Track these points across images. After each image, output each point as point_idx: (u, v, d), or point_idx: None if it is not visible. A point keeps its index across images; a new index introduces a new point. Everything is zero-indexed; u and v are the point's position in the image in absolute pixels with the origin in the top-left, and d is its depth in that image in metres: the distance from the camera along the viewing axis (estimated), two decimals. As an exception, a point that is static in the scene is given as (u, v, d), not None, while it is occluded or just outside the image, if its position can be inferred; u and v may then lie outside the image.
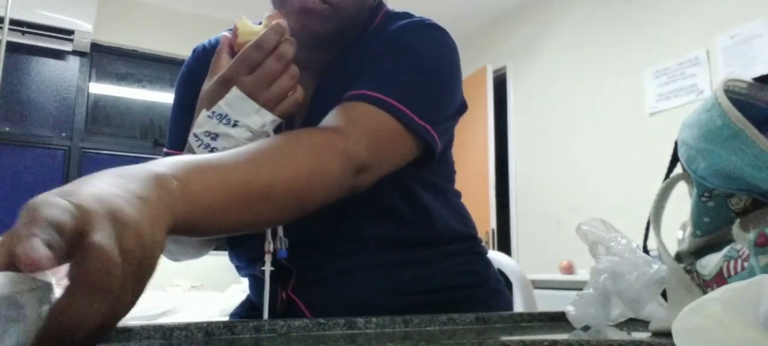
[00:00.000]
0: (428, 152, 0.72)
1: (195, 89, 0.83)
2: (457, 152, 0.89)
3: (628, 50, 3.44)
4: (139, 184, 0.38)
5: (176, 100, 0.87)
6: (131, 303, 0.36)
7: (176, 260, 0.85)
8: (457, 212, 0.87)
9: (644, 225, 0.68)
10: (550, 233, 3.78)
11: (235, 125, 0.60)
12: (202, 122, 0.61)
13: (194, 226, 0.44)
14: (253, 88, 0.60)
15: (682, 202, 0.63)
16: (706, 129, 0.51)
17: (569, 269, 3.38)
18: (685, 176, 0.62)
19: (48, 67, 4.17)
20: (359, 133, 0.63)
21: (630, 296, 0.56)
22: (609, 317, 0.57)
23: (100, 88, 4.33)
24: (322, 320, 0.58)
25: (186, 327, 0.52)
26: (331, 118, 0.65)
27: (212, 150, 0.60)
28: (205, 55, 0.86)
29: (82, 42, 4.06)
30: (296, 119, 0.77)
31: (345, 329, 0.57)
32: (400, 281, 0.77)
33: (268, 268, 0.70)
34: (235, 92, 0.60)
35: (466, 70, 3.72)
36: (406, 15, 0.82)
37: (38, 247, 0.29)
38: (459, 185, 0.92)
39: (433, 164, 0.73)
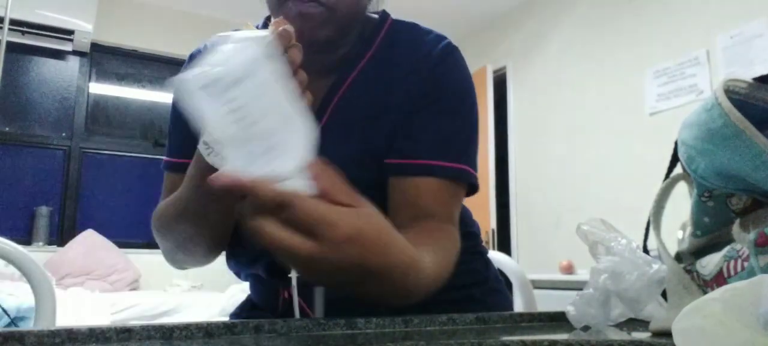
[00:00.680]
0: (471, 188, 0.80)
1: None
2: (458, 152, 0.89)
3: (628, 50, 3.44)
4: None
5: (174, 105, 0.86)
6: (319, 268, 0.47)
7: (182, 267, 0.85)
8: None
9: (644, 225, 0.68)
10: (550, 233, 3.78)
11: None
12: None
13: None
14: None
15: (682, 202, 0.63)
16: (706, 129, 0.51)
17: (569, 269, 3.38)
18: (685, 176, 0.62)
19: (48, 67, 4.17)
20: (450, 217, 0.75)
21: (630, 296, 0.56)
22: (609, 317, 0.57)
23: (100, 88, 4.33)
24: (322, 320, 0.58)
25: (186, 327, 0.52)
26: (427, 205, 0.73)
27: (223, 157, 0.60)
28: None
29: (82, 42, 4.06)
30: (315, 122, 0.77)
31: (345, 329, 0.57)
32: None
33: (294, 273, 0.70)
34: None
35: (466, 70, 3.71)
36: (415, 26, 0.83)
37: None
38: (459, 184, 0.92)
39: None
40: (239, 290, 3.47)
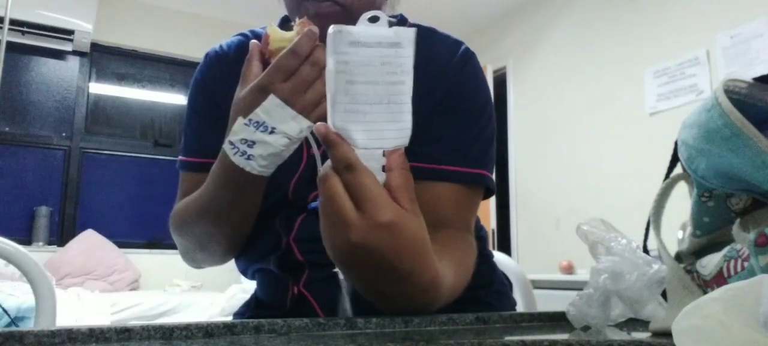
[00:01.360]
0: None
1: (210, 94, 0.84)
2: (458, 152, 0.89)
3: (628, 50, 3.44)
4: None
5: (191, 105, 0.87)
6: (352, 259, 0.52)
7: (199, 266, 0.86)
8: None
9: (644, 225, 0.68)
10: (550, 233, 3.78)
11: (272, 132, 0.61)
12: (238, 130, 0.62)
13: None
14: (290, 95, 0.61)
15: (682, 202, 0.63)
16: (706, 129, 0.51)
17: (569, 269, 3.38)
18: (685, 176, 0.62)
19: (48, 67, 4.17)
20: (467, 225, 0.78)
21: (630, 296, 0.56)
22: (609, 317, 0.57)
23: (100, 88, 4.33)
24: (321, 320, 0.58)
25: (186, 327, 0.52)
26: (447, 213, 0.75)
27: (248, 157, 0.62)
28: (218, 60, 0.86)
29: (82, 42, 4.06)
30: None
31: (345, 329, 0.57)
32: None
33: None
34: (272, 100, 0.61)
35: (466, 70, 3.70)
36: (433, 31, 0.85)
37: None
38: (459, 184, 0.92)
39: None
40: (239, 290, 3.47)
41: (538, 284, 3.10)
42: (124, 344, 0.48)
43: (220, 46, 0.88)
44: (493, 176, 0.85)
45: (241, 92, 0.65)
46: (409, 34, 0.53)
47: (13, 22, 3.42)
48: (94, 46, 4.20)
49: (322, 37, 0.66)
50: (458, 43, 0.83)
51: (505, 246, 4.17)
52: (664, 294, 0.58)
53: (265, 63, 0.65)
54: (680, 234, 0.65)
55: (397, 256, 0.51)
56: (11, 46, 3.56)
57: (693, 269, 0.60)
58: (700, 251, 0.60)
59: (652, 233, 0.66)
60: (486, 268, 0.89)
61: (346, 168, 0.50)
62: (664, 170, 0.65)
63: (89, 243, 3.84)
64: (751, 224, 0.52)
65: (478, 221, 0.92)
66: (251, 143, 0.61)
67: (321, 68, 0.62)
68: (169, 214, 0.83)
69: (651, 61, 3.30)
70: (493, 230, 4.09)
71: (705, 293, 0.54)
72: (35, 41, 3.98)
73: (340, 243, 0.52)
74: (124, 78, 4.43)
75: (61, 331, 0.47)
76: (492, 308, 0.84)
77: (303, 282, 0.77)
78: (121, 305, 3.26)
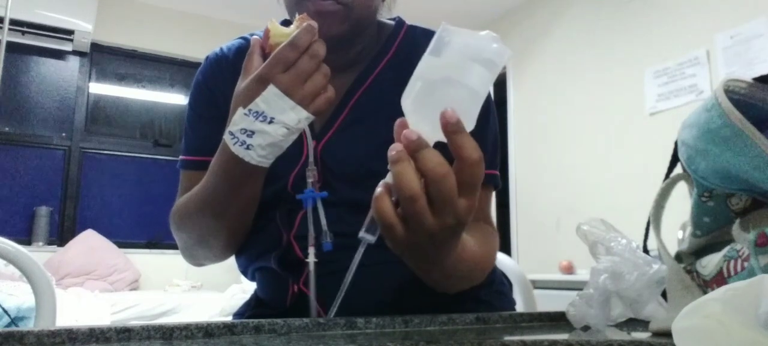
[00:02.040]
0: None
1: (210, 95, 0.86)
2: (458, 152, 0.90)
3: (628, 50, 3.44)
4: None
5: (191, 106, 0.88)
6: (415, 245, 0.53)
7: (199, 264, 0.86)
8: None
9: (644, 225, 0.68)
10: (550, 233, 3.78)
11: (271, 122, 0.62)
12: (238, 120, 0.63)
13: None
14: (288, 86, 0.62)
15: (682, 202, 0.63)
16: (706, 129, 0.51)
17: (569, 269, 3.38)
18: (685, 176, 0.62)
19: (48, 67, 4.17)
20: (487, 217, 0.85)
21: (630, 296, 0.56)
22: (609, 317, 0.57)
23: (100, 88, 4.33)
24: (321, 320, 0.58)
25: (186, 327, 0.52)
26: None
27: (248, 147, 0.63)
28: (218, 63, 0.88)
29: (82, 42, 4.06)
30: (333, 117, 0.82)
31: (345, 329, 0.57)
32: (408, 279, 0.78)
33: (312, 259, 0.74)
34: (271, 90, 0.62)
35: (466, 70, 3.69)
36: (431, 32, 0.87)
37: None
38: (459, 184, 0.93)
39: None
40: (239, 290, 3.47)
41: (538, 284, 3.10)
42: (124, 344, 0.48)
43: (221, 49, 0.90)
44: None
45: (241, 84, 0.66)
46: (505, 52, 0.53)
47: (13, 22, 3.42)
48: (94, 46, 4.20)
49: (323, 34, 0.68)
50: None
51: (505, 246, 4.17)
52: (664, 294, 0.58)
53: (265, 57, 0.67)
54: (680, 234, 0.65)
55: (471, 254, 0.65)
56: (11, 46, 3.56)
57: (693, 269, 0.60)
58: (700, 251, 0.60)
59: (652, 233, 0.66)
60: None
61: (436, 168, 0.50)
62: (664, 170, 0.65)
63: (89, 243, 3.84)
64: (751, 224, 0.52)
65: None
66: (250, 133, 0.63)
67: (319, 61, 0.63)
68: (169, 213, 0.84)
69: (651, 61, 3.30)
70: (493, 230, 4.09)
71: (705, 293, 0.54)
72: (35, 41, 3.98)
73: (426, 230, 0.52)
74: (124, 78, 4.43)
75: (61, 331, 0.47)
76: (492, 307, 0.84)
77: (303, 280, 0.78)
78: (121, 305, 3.26)
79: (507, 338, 0.55)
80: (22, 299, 2.56)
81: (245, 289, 3.45)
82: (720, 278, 0.55)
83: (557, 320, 0.67)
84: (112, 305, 3.22)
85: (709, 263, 0.57)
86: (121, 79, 4.42)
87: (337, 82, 0.79)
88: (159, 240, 4.21)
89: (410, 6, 0.94)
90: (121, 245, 4.00)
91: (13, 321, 2.45)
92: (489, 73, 0.51)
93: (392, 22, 0.89)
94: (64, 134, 4.15)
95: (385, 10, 0.88)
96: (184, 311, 3.40)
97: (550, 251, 3.64)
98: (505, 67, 4.39)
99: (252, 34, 0.90)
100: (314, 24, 0.64)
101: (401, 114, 0.82)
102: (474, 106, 0.52)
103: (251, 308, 0.89)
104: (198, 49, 4.49)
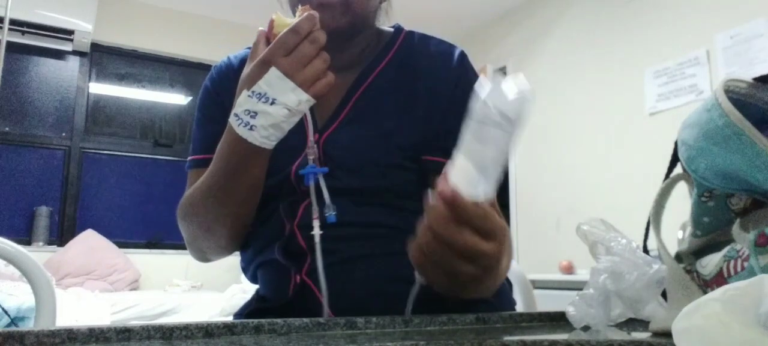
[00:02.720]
0: None
1: (217, 99, 0.91)
2: (458, 152, 0.91)
3: (628, 50, 3.44)
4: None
5: (199, 109, 0.93)
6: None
7: (204, 258, 0.89)
8: None
9: (644, 225, 0.68)
10: (550, 233, 3.78)
11: (272, 103, 0.66)
12: (243, 102, 0.67)
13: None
14: (289, 69, 0.66)
15: (682, 202, 0.63)
16: (706, 129, 0.51)
17: (569, 269, 3.38)
18: (685, 176, 0.62)
19: (48, 67, 4.17)
20: (493, 204, 0.82)
21: (630, 296, 0.56)
22: (609, 317, 0.57)
23: (100, 88, 4.33)
24: (321, 320, 0.58)
25: (186, 327, 0.52)
26: None
27: (251, 128, 0.67)
28: (226, 70, 0.93)
29: (82, 42, 4.05)
30: (336, 112, 0.85)
31: (345, 329, 0.57)
32: (411, 273, 0.79)
33: (317, 232, 0.75)
34: (273, 72, 0.66)
35: (466, 70, 3.70)
36: (428, 36, 0.93)
37: None
38: (459, 184, 0.93)
39: None
40: (239, 290, 3.47)
41: (538, 284, 3.10)
42: (124, 344, 0.48)
43: (228, 58, 0.95)
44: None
45: (246, 70, 0.70)
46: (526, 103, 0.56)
47: (13, 22, 3.42)
48: (94, 46, 4.20)
49: (324, 27, 0.72)
50: (453, 45, 0.91)
51: (505, 246, 4.16)
52: (664, 294, 0.58)
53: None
54: (680, 234, 0.65)
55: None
56: (11, 46, 3.56)
57: (693, 269, 0.60)
58: (700, 251, 0.60)
59: (652, 233, 0.66)
60: None
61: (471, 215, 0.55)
62: (664, 170, 0.65)
63: (89, 243, 3.84)
64: (751, 224, 0.52)
65: None
66: (254, 114, 0.66)
67: (319, 47, 0.67)
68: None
69: (651, 61, 3.30)
70: (493, 230, 4.08)
71: (705, 293, 0.54)
72: (35, 41, 3.98)
73: (484, 270, 0.58)
74: (124, 78, 4.43)
75: (61, 331, 0.47)
76: (492, 308, 0.84)
77: (305, 270, 0.79)
78: (121, 305, 3.26)
79: (507, 338, 0.55)
80: (22, 299, 2.56)
81: (245, 289, 3.45)
82: (720, 278, 0.55)
83: (557, 320, 0.67)
84: (112, 305, 3.22)
85: (709, 263, 0.57)
86: (121, 79, 4.42)
87: (340, 81, 0.83)
88: (159, 240, 4.21)
89: (411, 6, 0.96)
90: (121, 245, 4.00)
91: (13, 321, 2.45)
92: (509, 130, 0.55)
93: (391, 29, 0.94)
94: (64, 134, 4.15)
95: (383, 14, 0.94)
96: (184, 311, 3.40)
97: (550, 251, 3.63)
98: (505, 68, 4.39)
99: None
100: (316, 14, 0.68)
101: (399, 111, 0.84)
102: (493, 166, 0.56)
103: (253, 305, 0.90)
104: (198, 49, 4.49)
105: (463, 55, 0.90)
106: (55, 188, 4.05)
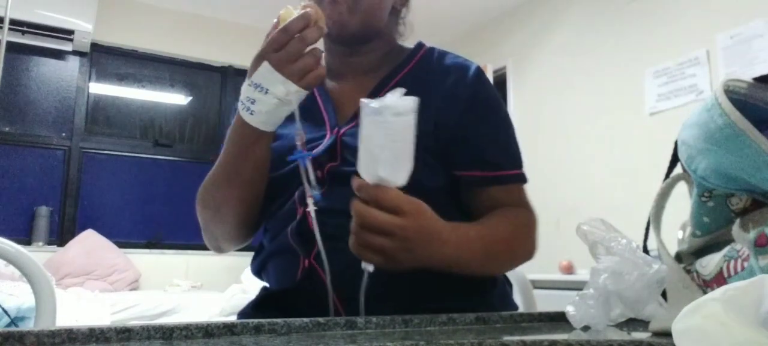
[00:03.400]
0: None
1: None
2: (457, 151, 0.91)
3: (628, 50, 3.44)
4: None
5: (233, 112, 1.00)
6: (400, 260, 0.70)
7: (218, 247, 0.95)
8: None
9: (644, 225, 0.68)
10: (550, 233, 3.77)
11: (266, 93, 0.75)
12: (244, 90, 0.77)
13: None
14: (277, 63, 0.74)
15: (682, 202, 0.63)
16: (706, 129, 0.51)
17: (569, 269, 3.38)
18: (685, 176, 0.62)
19: (48, 67, 4.17)
20: (525, 204, 0.95)
21: (630, 296, 0.56)
22: (609, 317, 0.57)
23: (100, 88, 4.33)
24: (321, 320, 0.58)
25: (186, 327, 0.52)
26: (505, 200, 0.92)
27: (251, 113, 0.77)
28: None
29: (82, 42, 4.05)
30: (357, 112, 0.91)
31: (345, 329, 0.57)
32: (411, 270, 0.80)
33: (311, 208, 0.80)
34: (265, 65, 0.74)
35: (466, 70, 3.70)
36: (447, 52, 0.99)
37: None
38: (458, 184, 0.93)
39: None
40: (239, 290, 3.47)
41: (538, 284, 3.09)
42: (124, 344, 0.48)
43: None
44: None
45: (252, 62, 0.77)
46: (413, 104, 0.66)
47: (13, 22, 3.42)
48: (94, 46, 4.20)
49: (337, 26, 0.83)
50: (469, 61, 0.97)
51: (505, 246, 4.16)
52: (664, 294, 0.58)
53: None
54: (680, 234, 0.65)
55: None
56: (11, 46, 3.56)
57: (693, 269, 0.60)
58: (700, 251, 0.60)
59: (652, 233, 0.66)
60: None
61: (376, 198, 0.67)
62: (664, 170, 0.65)
63: (89, 243, 3.83)
64: (751, 224, 0.52)
65: None
66: (252, 101, 0.76)
67: (307, 43, 0.75)
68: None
69: (651, 61, 3.30)
70: (493, 230, 4.08)
71: (705, 293, 0.54)
72: (35, 41, 3.97)
73: (402, 243, 0.69)
74: (124, 78, 4.43)
75: (61, 331, 0.47)
76: (494, 308, 0.85)
77: (313, 255, 0.82)
78: (121, 305, 3.26)
79: (507, 338, 0.55)
80: (22, 299, 2.56)
81: (245, 289, 3.45)
82: (720, 278, 0.55)
83: (557, 320, 0.67)
84: (112, 305, 3.21)
85: (709, 263, 0.57)
86: (121, 79, 4.42)
87: (363, 83, 0.94)
88: (159, 240, 4.21)
89: (411, 6, 0.98)
90: (121, 245, 4.00)
91: (13, 321, 2.45)
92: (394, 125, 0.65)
93: (411, 46, 1.01)
94: (64, 134, 4.14)
95: (406, 30, 1.01)
96: (184, 311, 3.40)
97: (550, 251, 3.62)
98: (505, 68, 4.39)
99: None
100: (310, 12, 0.75)
101: (419, 116, 0.88)
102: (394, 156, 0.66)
103: (258, 300, 0.93)
104: (198, 49, 4.49)
105: (479, 70, 0.95)
106: (55, 188, 4.05)
